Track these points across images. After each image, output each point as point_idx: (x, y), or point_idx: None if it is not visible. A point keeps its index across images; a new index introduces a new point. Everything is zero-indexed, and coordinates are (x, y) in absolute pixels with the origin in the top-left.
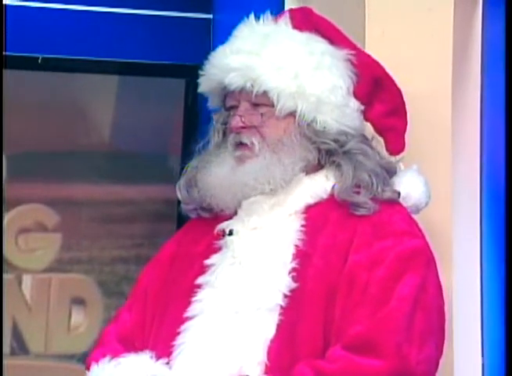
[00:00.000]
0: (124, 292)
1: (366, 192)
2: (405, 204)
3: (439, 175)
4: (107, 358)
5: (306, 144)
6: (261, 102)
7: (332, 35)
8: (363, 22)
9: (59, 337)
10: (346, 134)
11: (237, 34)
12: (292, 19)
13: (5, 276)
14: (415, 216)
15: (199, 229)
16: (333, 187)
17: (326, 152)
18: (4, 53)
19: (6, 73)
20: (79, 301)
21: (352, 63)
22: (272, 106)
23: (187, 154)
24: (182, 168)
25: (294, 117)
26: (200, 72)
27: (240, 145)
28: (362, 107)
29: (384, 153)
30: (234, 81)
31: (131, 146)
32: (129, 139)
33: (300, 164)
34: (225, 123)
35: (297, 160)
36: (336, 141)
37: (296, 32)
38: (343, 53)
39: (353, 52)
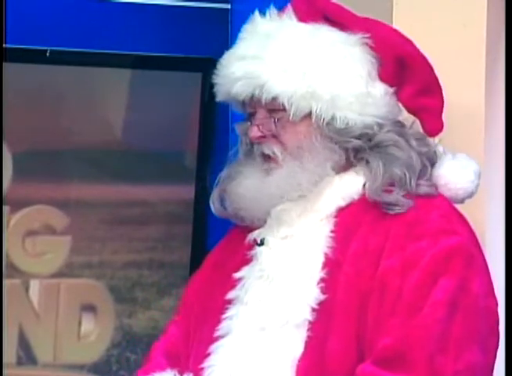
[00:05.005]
0: (136, 298)
1: (400, 189)
2: (447, 192)
3: None
4: None
5: (329, 145)
6: (275, 107)
7: (342, 19)
8: (390, 17)
9: (69, 346)
10: (373, 126)
11: (242, 35)
12: (296, 11)
13: (11, 281)
14: None
15: (240, 237)
16: (364, 186)
17: (353, 149)
18: (4, 46)
19: (12, 66)
20: (89, 308)
21: (370, 46)
22: (286, 110)
23: (204, 152)
24: (198, 167)
25: (312, 118)
26: (213, 78)
27: (264, 156)
28: (392, 90)
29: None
30: (241, 90)
31: (144, 143)
32: (142, 137)
33: (326, 165)
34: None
35: (323, 163)
36: (362, 136)
37: (301, 25)
38: (356, 38)
39: (368, 34)
